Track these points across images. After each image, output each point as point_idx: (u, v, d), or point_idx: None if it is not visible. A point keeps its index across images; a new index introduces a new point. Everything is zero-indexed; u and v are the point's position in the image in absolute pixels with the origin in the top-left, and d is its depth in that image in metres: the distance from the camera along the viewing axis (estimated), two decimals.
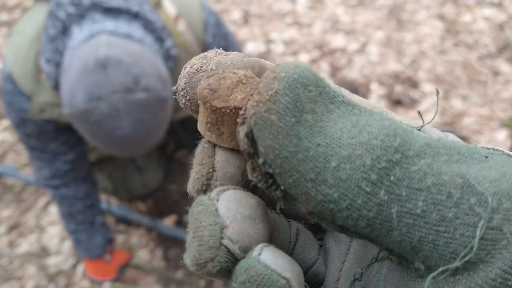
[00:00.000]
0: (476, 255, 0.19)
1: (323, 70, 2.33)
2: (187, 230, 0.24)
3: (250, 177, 0.23)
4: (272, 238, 0.26)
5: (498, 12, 2.63)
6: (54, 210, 1.86)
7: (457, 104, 2.12)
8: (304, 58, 2.41)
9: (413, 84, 2.21)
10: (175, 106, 1.10)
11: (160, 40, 1.08)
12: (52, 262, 1.70)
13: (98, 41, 0.93)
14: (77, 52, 0.95)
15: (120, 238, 1.76)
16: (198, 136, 0.27)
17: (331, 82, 0.24)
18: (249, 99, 0.22)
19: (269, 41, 2.56)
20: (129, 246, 1.73)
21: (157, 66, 0.97)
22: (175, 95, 0.26)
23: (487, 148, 0.23)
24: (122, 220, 1.80)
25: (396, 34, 2.52)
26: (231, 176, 0.25)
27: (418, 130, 0.24)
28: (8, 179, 2.01)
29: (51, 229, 1.81)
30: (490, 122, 2.05)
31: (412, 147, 0.21)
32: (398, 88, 2.18)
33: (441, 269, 0.20)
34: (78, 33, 0.99)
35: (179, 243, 1.72)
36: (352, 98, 0.24)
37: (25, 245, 1.77)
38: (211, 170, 0.25)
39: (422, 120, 0.25)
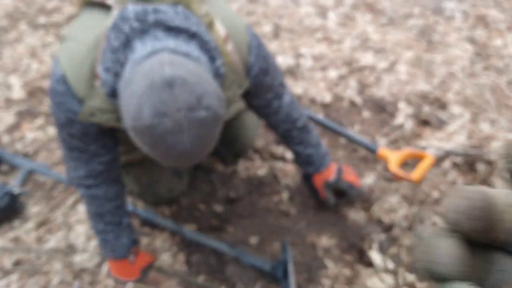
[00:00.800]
0: None
1: (351, 87, 2.34)
2: None
3: None
4: None
5: None
6: (82, 209, 1.91)
7: (485, 127, 2.10)
8: (333, 74, 2.43)
9: (442, 105, 2.21)
10: None
11: (212, 59, 1.13)
12: (78, 259, 1.75)
13: (161, 59, 0.99)
14: (140, 67, 1.00)
15: (144, 241, 1.79)
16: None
17: None
18: None
19: (298, 55, 2.59)
20: (153, 249, 1.77)
21: (214, 85, 1.03)
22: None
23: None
24: (147, 223, 1.84)
25: (426, 54, 2.52)
26: None
27: None
28: (39, 177, 2.08)
29: (79, 227, 1.85)
30: None
31: None
32: (426, 109, 2.18)
33: None
34: (141, 48, 1.04)
35: (202, 249, 1.74)
36: None
37: (53, 241, 1.82)
38: None
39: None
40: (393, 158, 1.87)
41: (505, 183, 0.34)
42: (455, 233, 0.30)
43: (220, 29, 1.23)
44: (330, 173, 1.70)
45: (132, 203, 1.85)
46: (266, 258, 1.69)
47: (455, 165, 1.94)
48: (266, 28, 2.85)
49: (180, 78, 0.96)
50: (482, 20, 2.77)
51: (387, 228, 1.75)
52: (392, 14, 2.90)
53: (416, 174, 1.78)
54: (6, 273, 1.73)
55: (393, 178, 1.91)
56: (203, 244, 1.72)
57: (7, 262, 1.76)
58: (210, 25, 1.20)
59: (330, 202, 1.75)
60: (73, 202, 1.96)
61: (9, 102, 2.49)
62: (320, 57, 2.57)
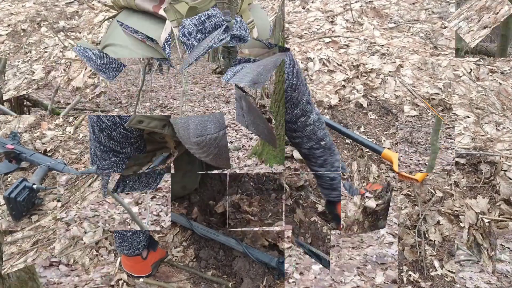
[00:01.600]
0: None
1: (358, 90, 2.40)
2: None
3: None
4: None
5: None
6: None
7: (490, 129, 2.14)
8: (339, 77, 2.49)
9: (446, 107, 2.25)
10: None
11: None
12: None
13: None
14: None
15: (156, 236, 1.86)
16: None
17: None
18: None
19: (306, 59, 2.65)
20: (164, 244, 1.83)
21: None
22: None
23: None
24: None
25: (432, 58, 2.57)
26: None
27: None
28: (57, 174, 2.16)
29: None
30: None
31: None
32: (431, 111, 2.23)
33: None
34: None
35: (211, 244, 1.80)
36: None
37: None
38: None
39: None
40: (397, 159, 1.92)
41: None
42: None
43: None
44: None
45: None
46: (274, 254, 1.75)
47: (459, 166, 1.98)
48: None
49: None
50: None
51: None
52: (399, 19, 2.95)
53: (420, 174, 1.83)
54: None
55: (398, 179, 1.95)
56: (212, 240, 1.78)
57: None
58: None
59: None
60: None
61: None
62: (328, 60, 2.63)
